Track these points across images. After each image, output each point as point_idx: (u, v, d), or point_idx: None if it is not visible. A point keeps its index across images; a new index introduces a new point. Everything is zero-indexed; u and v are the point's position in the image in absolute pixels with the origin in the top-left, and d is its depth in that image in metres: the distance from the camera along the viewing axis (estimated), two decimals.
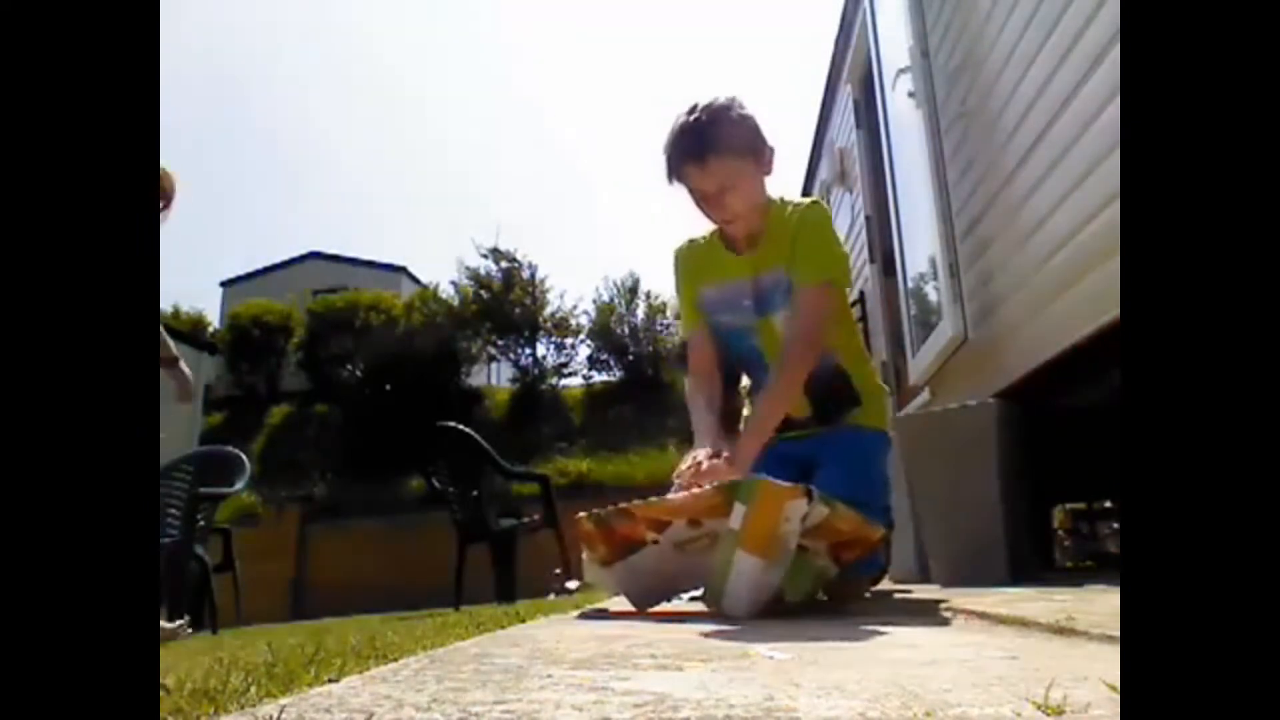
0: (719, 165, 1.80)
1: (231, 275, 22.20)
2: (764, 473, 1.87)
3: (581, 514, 1.66)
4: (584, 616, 1.75)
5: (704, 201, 1.88)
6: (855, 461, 1.88)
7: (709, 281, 1.99)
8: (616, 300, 17.40)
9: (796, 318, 1.84)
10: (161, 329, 2.82)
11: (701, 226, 2.04)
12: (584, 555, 1.69)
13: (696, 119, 1.81)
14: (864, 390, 2.01)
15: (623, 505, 1.59)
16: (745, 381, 2.17)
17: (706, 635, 1.16)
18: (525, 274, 17.29)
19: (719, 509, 1.42)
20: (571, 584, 3.19)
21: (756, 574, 1.35)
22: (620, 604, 1.91)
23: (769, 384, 1.86)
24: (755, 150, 1.87)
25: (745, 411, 2.12)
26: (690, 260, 2.04)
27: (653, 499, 1.55)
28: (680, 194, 1.90)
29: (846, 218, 5.80)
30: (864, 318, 5.24)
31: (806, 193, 7.52)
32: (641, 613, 1.63)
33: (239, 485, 4.20)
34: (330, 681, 0.79)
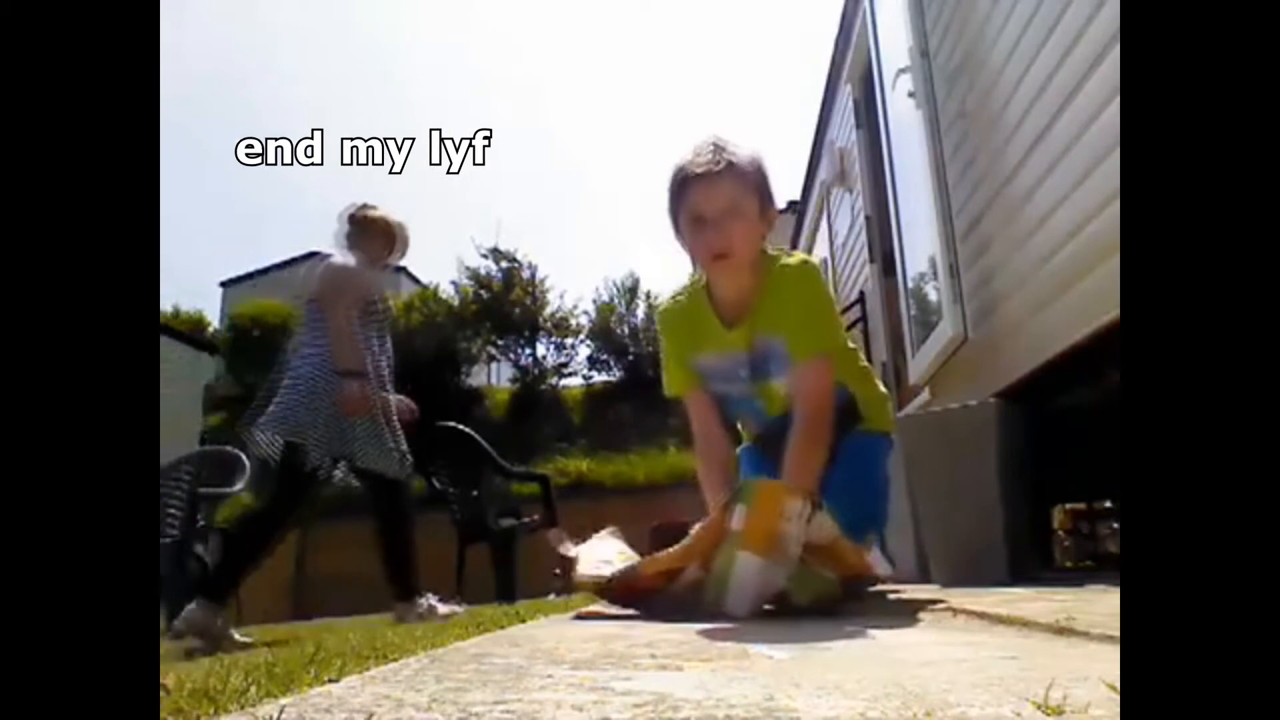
0: (731, 185, 1.72)
1: (231, 275, 22.24)
2: (765, 475, 1.88)
3: (583, 578, 1.68)
4: (583, 617, 1.75)
5: (700, 229, 1.76)
6: (855, 461, 1.87)
7: (702, 351, 1.90)
8: (616, 300, 17.39)
9: (803, 398, 1.78)
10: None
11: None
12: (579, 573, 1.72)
13: (714, 144, 1.75)
14: (868, 403, 1.99)
15: (630, 566, 1.57)
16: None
17: (706, 635, 1.16)
18: (525, 274, 17.29)
19: (724, 534, 1.39)
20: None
21: (758, 573, 1.35)
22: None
23: (793, 449, 1.74)
24: (764, 195, 1.78)
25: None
26: (680, 326, 1.94)
27: (658, 555, 1.51)
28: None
29: (846, 218, 5.80)
30: (864, 318, 5.24)
31: (806, 193, 7.52)
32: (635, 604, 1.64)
33: (239, 485, 4.21)
34: (330, 681, 0.79)
